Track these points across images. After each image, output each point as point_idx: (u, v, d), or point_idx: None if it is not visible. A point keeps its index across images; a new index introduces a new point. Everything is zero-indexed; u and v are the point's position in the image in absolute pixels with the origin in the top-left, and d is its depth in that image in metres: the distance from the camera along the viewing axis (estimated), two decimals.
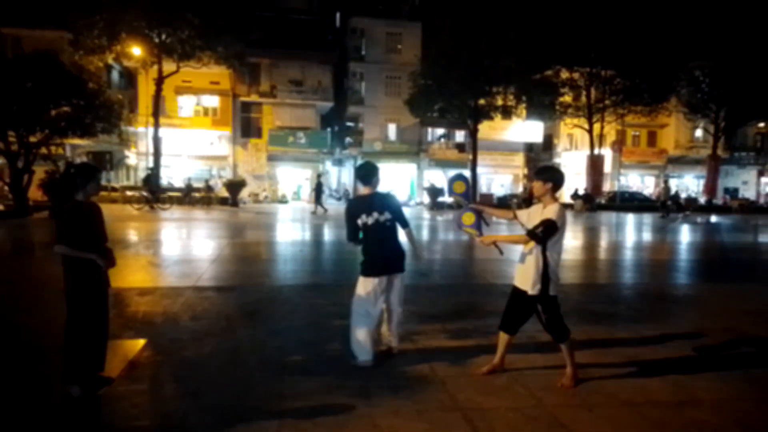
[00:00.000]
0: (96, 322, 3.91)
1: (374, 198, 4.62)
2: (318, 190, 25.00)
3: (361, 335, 4.49)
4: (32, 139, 19.93)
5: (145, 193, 24.93)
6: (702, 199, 37.33)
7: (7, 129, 19.23)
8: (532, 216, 4.13)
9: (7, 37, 30.83)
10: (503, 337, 4.33)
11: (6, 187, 20.00)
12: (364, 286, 4.57)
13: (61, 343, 3.85)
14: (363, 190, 4.68)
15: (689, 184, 43.27)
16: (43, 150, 20.69)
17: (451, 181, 4.67)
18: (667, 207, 26.58)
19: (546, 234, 3.96)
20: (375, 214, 4.52)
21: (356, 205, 4.68)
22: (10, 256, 11.42)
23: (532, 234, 3.99)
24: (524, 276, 4.09)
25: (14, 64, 19.99)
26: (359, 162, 4.32)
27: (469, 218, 4.40)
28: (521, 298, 4.14)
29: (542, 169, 4.31)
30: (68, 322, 3.83)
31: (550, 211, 3.99)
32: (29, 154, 19.87)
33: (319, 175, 27.93)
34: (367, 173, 4.65)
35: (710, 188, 37.56)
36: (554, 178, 4.14)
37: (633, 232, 19.89)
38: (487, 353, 4.76)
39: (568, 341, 4.19)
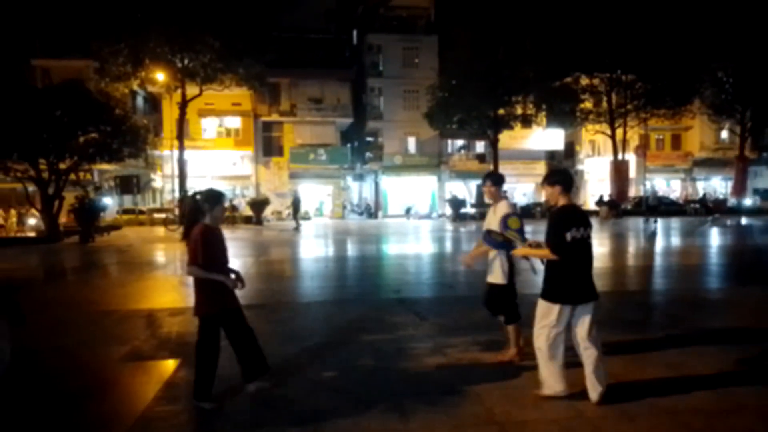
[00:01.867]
0: (238, 338, 4.14)
1: (580, 210, 4.21)
2: (296, 207, 25.42)
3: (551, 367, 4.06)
4: (62, 165, 20.48)
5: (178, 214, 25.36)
6: (731, 201, 36.49)
7: (38, 156, 19.79)
8: (489, 219, 4.77)
9: (36, 68, 31.91)
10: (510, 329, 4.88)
11: (38, 214, 20.53)
12: (549, 312, 4.05)
13: (92, 364, 3.90)
14: (562, 200, 4.08)
15: (717, 186, 42.36)
16: (72, 176, 21.24)
17: (505, 218, 4.40)
18: (654, 210, 26.23)
19: (552, 232, 3.96)
20: (583, 229, 3.97)
21: (568, 216, 4.02)
22: (43, 280, 11.68)
23: (547, 242, 3.99)
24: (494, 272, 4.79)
25: (44, 94, 20.66)
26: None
27: (515, 222, 4.34)
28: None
29: (549, 174, 4.33)
30: (199, 341, 4.04)
31: (503, 208, 4.60)
32: (59, 180, 20.41)
33: (194, 194, 27.76)
34: (568, 179, 4.22)
35: (739, 190, 36.71)
36: (561, 180, 4.13)
37: (661, 237, 19.51)
38: (522, 364, 4.70)
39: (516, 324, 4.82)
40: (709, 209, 28.21)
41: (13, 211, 24.79)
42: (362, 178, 40.58)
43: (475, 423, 3.70)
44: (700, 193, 39.01)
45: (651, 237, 18.63)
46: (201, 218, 4.01)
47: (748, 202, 37.15)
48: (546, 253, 3.98)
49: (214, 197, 4.08)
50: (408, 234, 22.24)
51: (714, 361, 4.87)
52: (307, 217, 35.32)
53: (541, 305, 4.05)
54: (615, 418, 3.73)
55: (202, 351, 4.02)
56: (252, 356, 4.21)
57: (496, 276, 4.80)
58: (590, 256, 4.04)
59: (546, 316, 4.01)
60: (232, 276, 4.09)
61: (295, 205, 25.59)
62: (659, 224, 23.01)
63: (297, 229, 24.20)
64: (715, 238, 18.47)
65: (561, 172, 4.38)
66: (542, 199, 36.78)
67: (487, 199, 4.97)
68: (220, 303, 4.02)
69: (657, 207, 29.07)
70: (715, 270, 11.40)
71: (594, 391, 3.92)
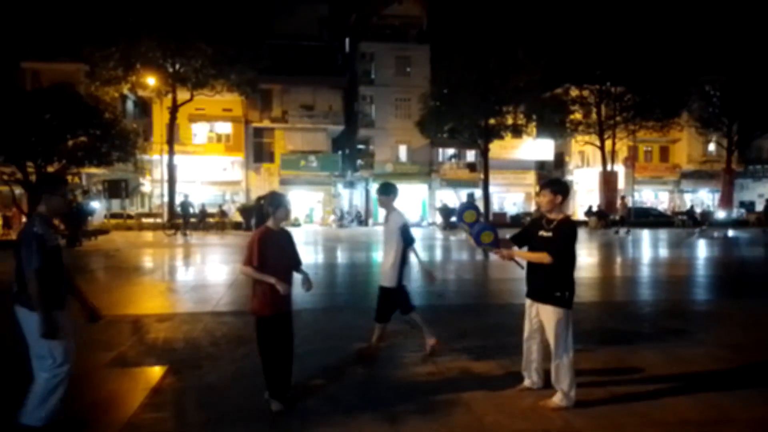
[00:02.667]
0: (281, 344, 4.11)
1: None
2: (258, 214, 25.24)
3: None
4: (50, 168, 20.30)
5: (180, 220, 25.05)
6: (718, 213, 36.86)
7: (26, 159, 19.60)
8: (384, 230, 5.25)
9: (26, 71, 31.66)
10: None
11: (24, 218, 20.29)
12: (568, 319, 4.12)
13: (79, 369, 3.85)
14: (557, 210, 4.17)
15: (704, 198, 42.83)
16: None
17: (462, 210, 4.54)
18: (624, 221, 26.59)
19: (568, 244, 4.03)
20: None
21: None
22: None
23: (553, 251, 4.00)
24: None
25: (33, 97, 20.50)
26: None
27: (488, 236, 4.37)
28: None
29: (552, 181, 4.34)
30: (259, 342, 4.08)
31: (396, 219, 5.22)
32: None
33: (259, 198, 27.60)
34: (568, 191, 4.37)
35: (725, 202, 37.13)
36: (564, 190, 4.18)
37: (649, 248, 19.66)
38: (511, 373, 4.70)
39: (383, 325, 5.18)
40: (697, 221, 28.47)
41: None
42: (353, 186, 40.59)
43: None
44: (688, 205, 39.41)
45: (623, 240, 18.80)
46: (266, 221, 4.11)
47: (734, 214, 37.57)
48: (540, 257, 4.05)
49: (277, 200, 4.14)
50: None
51: (701, 372, 4.90)
52: (297, 224, 35.22)
53: (565, 314, 4.05)
54: (604, 428, 3.73)
55: (263, 351, 4.06)
56: (285, 367, 4.16)
57: (388, 280, 5.18)
58: None
59: (569, 324, 4.08)
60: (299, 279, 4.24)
61: (258, 212, 25.46)
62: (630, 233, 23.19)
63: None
64: (702, 249, 18.64)
65: (563, 182, 4.42)
66: (532, 208, 37.04)
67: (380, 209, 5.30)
68: (275, 306, 4.03)
69: (693, 216, 29.57)
70: (703, 282, 11.49)
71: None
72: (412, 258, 5.46)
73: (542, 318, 4.15)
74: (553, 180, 4.44)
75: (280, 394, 4.03)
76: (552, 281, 4.06)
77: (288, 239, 4.23)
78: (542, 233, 4.14)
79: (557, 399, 4.06)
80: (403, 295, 5.34)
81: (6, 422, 3.62)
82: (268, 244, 3.98)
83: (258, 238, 3.96)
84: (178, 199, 27.48)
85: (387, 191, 5.37)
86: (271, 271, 3.92)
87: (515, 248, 4.39)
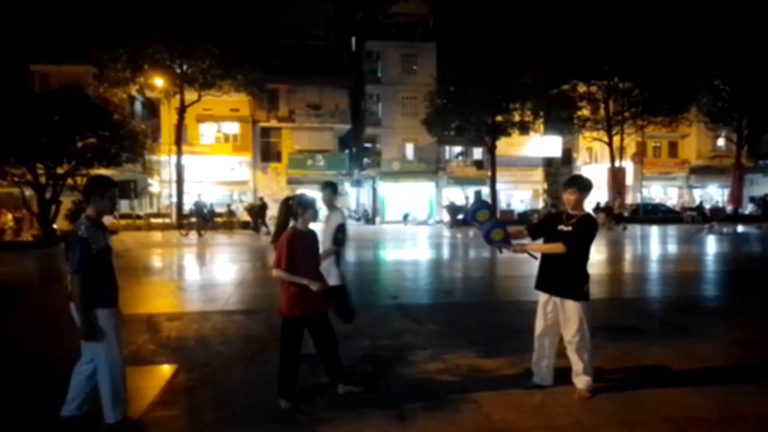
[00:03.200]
0: (322, 342, 4.27)
1: None
2: (261, 212, 25.28)
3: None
4: (59, 170, 20.43)
5: (194, 220, 25.12)
6: (728, 209, 36.60)
7: (35, 161, 19.75)
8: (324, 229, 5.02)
9: (35, 73, 31.93)
10: None
11: (34, 218, 20.48)
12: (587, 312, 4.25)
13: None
14: (579, 207, 4.30)
15: (713, 194, 42.50)
16: (70, 181, 21.19)
17: (474, 210, 4.56)
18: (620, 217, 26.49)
19: (586, 238, 4.13)
20: None
21: None
22: (39, 285, 11.64)
23: (570, 242, 4.08)
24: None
25: (42, 99, 20.63)
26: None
27: (498, 234, 4.39)
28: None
29: (576, 179, 4.36)
30: (282, 341, 4.16)
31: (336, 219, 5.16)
32: (57, 185, 20.36)
33: (261, 198, 27.67)
34: None
35: (735, 198, 36.83)
36: (589, 188, 4.28)
37: (658, 244, 19.56)
38: (519, 371, 4.70)
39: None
40: (706, 217, 28.27)
41: (9, 216, 24.72)
42: (360, 184, 40.62)
43: (474, 429, 3.70)
44: (697, 201, 39.14)
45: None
46: (295, 221, 4.18)
47: (745, 210, 37.27)
48: (554, 248, 4.17)
49: (306, 201, 4.20)
50: (405, 240, 22.24)
51: (711, 369, 4.88)
52: None
53: (583, 307, 4.17)
54: (614, 425, 3.73)
55: (284, 350, 4.14)
56: (331, 366, 4.32)
57: (332, 278, 5.09)
58: None
59: (587, 317, 4.20)
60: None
61: (261, 210, 25.50)
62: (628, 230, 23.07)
63: (265, 233, 24.11)
64: (712, 245, 18.52)
65: (587, 179, 4.42)
66: (539, 205, 36.93)
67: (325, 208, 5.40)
68: (303, 307, 4.07)
69: (703, 212, 29.47)
70: (712, 277, 11.42)
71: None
72: (328, 262, 5.21)
73: (567, 313, 4.17)
74: (576, 177, 4.44)
75: (291, 393, 4.09)
76: (569, 275, 4.13)
77: (315, 240, 4.32)
78: (562, 227, 4.18)
79: (584, 387, 4.14)
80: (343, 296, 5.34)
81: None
82: (297, 246, 4.03)
83: (287, 240, 4.00)
84: (192, 200, 27.60)
85: (323, 189, 5.43)
86: (302, 272, 4.00)
87: (527, 240, 4.45)
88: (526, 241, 4.49)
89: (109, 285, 3.67)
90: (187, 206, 31.17)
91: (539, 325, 4.36)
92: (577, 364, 4.18)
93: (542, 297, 4.34)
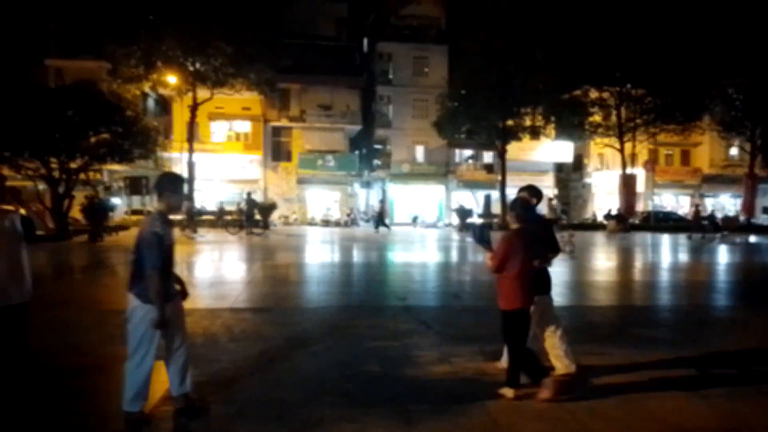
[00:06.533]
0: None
1: None
2: (249, 211, 24.85)
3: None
4: (72, 165, 20.64)
5: (243, 218, 24.96)
6: (740, 219, 36.23)
7: (49, 155, 19.96)
8: None
9: (49, 68, 32.24)
10: None
11: (47, 212, 20.69)
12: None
13: (101, 362, 3.93)
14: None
15: (725, 203, 42.13)
16: (83, 176, 21.41)
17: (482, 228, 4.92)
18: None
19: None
20: None
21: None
22: (52, 279, 11.75)
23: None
24: None
25: (56, 94, 20.88)
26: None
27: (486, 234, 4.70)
28: None
29: (531, 186, 4.93)
30: (509, 334, 4.29)
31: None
32: (69, 179, 20.57)
33: (248, 194, 26.90)
34: None
35: (748, 208, 36.46)
36: (540, 196, 4.87)
37: (669, 252, 19.42)
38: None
39: None
40: (718, 226, 28.01)
41: (23, 209, 24.96)
42: (369, 186, 40.68)
43: None
44: (708, 210, 38.79)
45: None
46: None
47: (758, 220, 36.85)
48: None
49: (520, 204, 4.44)
50: (414, 242, 22.25)
51: (720, 379, 4.86)
52: (314, 223, 35.41)
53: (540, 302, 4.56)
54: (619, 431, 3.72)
55: (514, 342, 4.25)
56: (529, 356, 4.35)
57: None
58: None
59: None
60: None
61: (250, 207, 25.09)
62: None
63: (261, 232, 23.84)
64: (723, 255, 18.37)
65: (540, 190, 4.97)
66: (545, 211, 36.73)
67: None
68: (521, 300, 4.26)
69: (714, 221, 29.14)
70: (723, 287, 11.34)
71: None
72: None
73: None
74: (530, 185, 4.95)
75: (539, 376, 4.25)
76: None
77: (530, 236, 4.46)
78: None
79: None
80: None
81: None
82: (515, 247, 4.24)
83: (509, 241, 4.23)
84: (241, 198, 27.16)
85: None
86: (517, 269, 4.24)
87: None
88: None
89: (171, 279, 3.78)
90: (198, 204, 31.38)
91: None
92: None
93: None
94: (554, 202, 29.41)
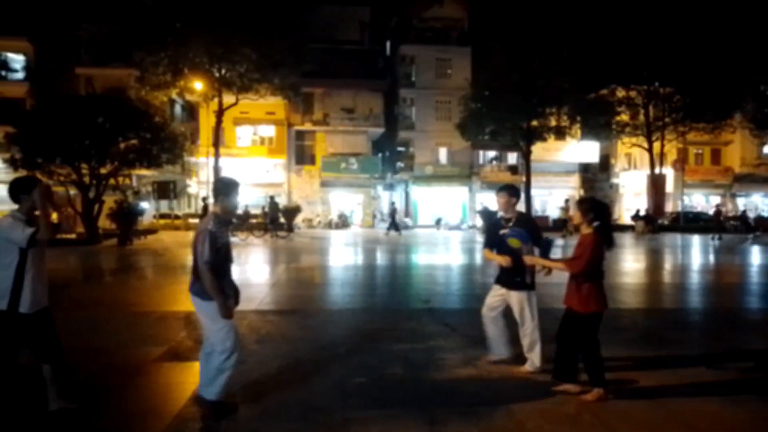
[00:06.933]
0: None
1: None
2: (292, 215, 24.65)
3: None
4: (103, 170, 21.13)
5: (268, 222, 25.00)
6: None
7: (80, 161, 20.47)
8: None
9: (80, 77, 33.09)
10: None
11: (78, 216, 21.20)
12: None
13: (129, 363, 4.00)
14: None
15: (758, 203, 40.99)
16: (112, 181, 21.88)
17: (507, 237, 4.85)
18: (567, 226, 25.30)
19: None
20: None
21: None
22: (83, 281, 12.04)
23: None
24: None
25: (87, 102, 21.40)
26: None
27: (514, 242, 4.73)
28: None
29: (508, 186, 5.15)
30: (586, 337, 4.26)
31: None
32: (100, 184, 21.06)
33: (272, 197, 26.83)
34: None
35: None
36: (518, 194, 5.13)
37: (699, 254, 18.98)
38: (553, 378, 4.65)
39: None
40: (750, 226, 27.25)
41: (54, 214, 25.59)
42: (393, 188, 40.70)
43: None
44: (740, 210, 37.82)
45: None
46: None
47: None
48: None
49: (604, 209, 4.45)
50: (438, 245, 22.18)
51: (753, 383, 4.73)
52: (347, 224, 35.51)
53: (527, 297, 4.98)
54: None
55: (591, 343, 4.24)
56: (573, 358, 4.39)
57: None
58: None
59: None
60: None
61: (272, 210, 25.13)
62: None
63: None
64: (755, 256, 17.88)
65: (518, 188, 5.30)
66: (557, 213, 36.29)
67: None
68: (605, 303, 4.34)
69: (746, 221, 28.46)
70: (755, 289, 11.02)
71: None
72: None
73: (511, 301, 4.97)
74: (507, 185, 5.19)
75: (605, 380, 4.26)
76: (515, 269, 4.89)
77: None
78: (503, 232, 4.87)
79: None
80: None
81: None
82: (600, 247, 4.25)
83: (596, 243, 4.21)
84: (266, 201, 27.25)
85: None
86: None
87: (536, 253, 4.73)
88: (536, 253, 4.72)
89: (223, 278, 3.89)
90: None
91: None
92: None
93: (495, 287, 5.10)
94: (569, 203, 28.99)
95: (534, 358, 4.87)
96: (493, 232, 5.10)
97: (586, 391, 4.25)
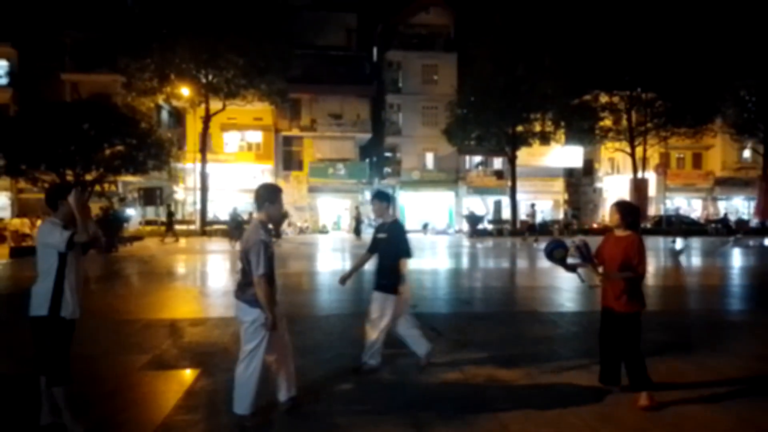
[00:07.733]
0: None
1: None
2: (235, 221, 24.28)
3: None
4: (88, 176, 20.99)
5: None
6: (754, 222, 35.81)
7: (65, 168, 20.32)
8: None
9: (65, 82, 32.80)
10: None
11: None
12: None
13: (114, 373, 3.98)
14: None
15: (739, 206, 41.68)
16: (98, 187, 21.72)
17: (551, 249, 4.66)
18: (534, 230, 25.47)
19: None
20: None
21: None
22: None
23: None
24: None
25: (72, 108, 21.26)
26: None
27: (559, 253, 4.59)
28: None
29: (379, 192, 5.32)
30: (630, 337, 4.25)
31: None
32: (85, 191, 20.88)
33: (234, 208, 25.55)
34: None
35: (761, 210, 36.00)
36: (388, 199, 5.28)
37: (683, 256, 19.23)
38: (538, 382, 4.72)
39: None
40: (731, 229, 27.68)
41: (39, 221, 25.31)
42: None
43: None
44: (721, 213, 38.40)
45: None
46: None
47: None
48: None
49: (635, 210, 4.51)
50: (425, 249, 22.24)
51: (739, 386, 4.82)
52: (325, 231, 35.55)
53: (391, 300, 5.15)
54: None
55: (635, 343, 4.23)
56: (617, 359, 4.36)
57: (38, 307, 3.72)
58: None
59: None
60: None
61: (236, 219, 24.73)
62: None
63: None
64: (737, 258, 18.18)
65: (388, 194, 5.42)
66: (560, 216, 36.63)
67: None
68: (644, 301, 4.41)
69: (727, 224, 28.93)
70: (738, 291, 11.22)
71: None
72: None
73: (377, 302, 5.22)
74: (379, 191, 5.41)
75: (651, 383, 4.26)
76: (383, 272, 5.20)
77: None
78: (379, 236, 5.26)
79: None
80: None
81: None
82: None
83: (641, 245, 4.31)
84: (217, 208, 27.11)
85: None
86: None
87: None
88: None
89: (273, 285, 3.92)
90: (211, 214, 31.66)
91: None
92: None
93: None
94: (535, 207, 29.34)
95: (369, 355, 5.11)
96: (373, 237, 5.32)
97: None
